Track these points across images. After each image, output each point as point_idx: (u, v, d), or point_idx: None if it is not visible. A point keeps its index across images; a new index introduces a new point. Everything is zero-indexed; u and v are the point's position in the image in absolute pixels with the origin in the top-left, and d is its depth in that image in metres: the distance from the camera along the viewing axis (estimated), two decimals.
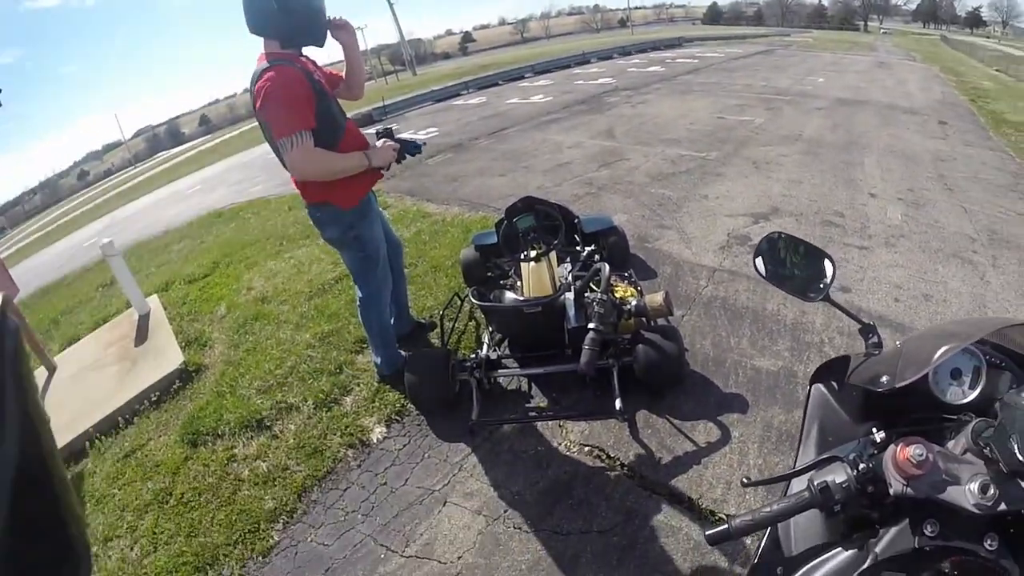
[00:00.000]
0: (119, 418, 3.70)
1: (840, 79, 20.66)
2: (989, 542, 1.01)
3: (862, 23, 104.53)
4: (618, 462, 2.92)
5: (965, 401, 1.17)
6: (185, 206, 13.06)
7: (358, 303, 3.40)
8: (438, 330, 3.85)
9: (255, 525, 2.69)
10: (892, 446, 1.02)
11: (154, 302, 5.43)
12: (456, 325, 3.91)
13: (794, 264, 1.59)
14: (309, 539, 2.61)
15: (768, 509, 1.07)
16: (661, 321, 3.57)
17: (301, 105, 2.70)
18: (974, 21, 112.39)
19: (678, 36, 41.96)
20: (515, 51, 51.58)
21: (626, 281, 3.79)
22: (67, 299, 8.17)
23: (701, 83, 18.87)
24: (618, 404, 3.08)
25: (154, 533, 2.78)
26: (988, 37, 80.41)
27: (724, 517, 0.97)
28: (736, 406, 3.25)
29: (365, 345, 3.85)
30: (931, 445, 1.00)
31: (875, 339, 1.45)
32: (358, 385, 3.54)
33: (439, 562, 2.47)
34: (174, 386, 3.94)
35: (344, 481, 2.90)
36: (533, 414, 3.33)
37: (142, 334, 4.79)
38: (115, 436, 3.60)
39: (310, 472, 2.93)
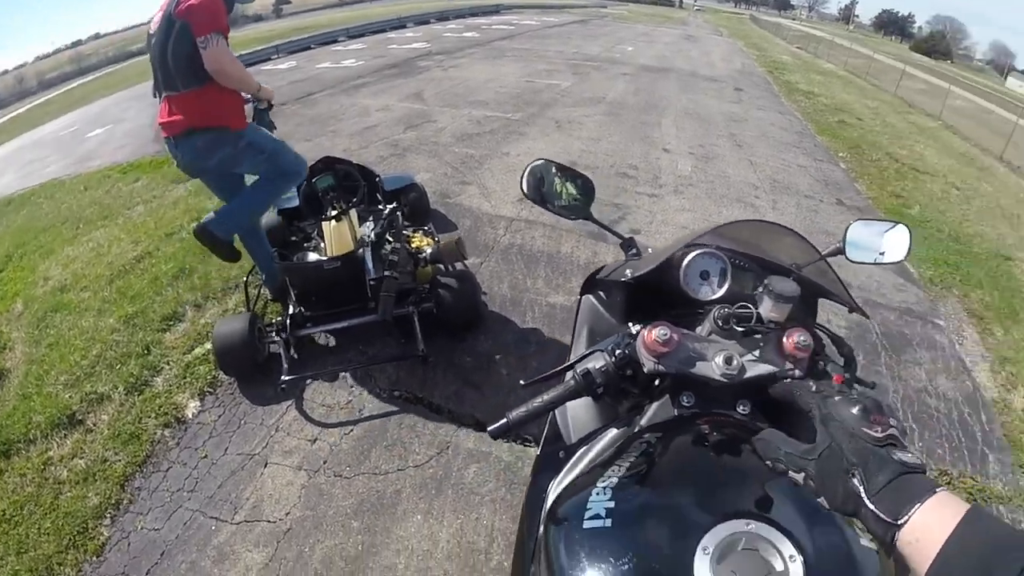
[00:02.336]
0: None
1: (648, 49, 22.00)
2: (742, 407, 1.17)
3: (677, 0, 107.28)
4: (426, 401, 3.23)
5: (715, 297, 1.34)
6: None
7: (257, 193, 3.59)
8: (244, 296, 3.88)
9: (83, 525, 2.68)
10: (642, 331, 1.14)
11: None
12: (261, 291, 3.95)
13: (558, 187, 1.73)
14: (140, 527, 2.66)
15: (539, 400, 1.15)
16: (460, 267, 3.82)
17: (221, 10, 3.02)
18: (783, 4, 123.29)
19: (497, 3, 41.31)
20: (332, 14, 48.45)
21: (423, 232, 3.99)
22: None
23: (515, 49, 19.25)
24: (420, 346, 3.33)
25: None
26: (794, 19, 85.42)
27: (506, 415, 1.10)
28: (533, 339, 3.62)
29: (171, 323, 3.85)
30: (676, 328, 1.13)
31: (634, 251, 1.67)
32: (168, 363, 3.55)
33: (268, 522, 2.64)
34: None
35: (165, 462, 2.95)
36: (340, 366, 3.50)
37: None
38: None
39: (130, 460, 2.95)
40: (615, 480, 1.03)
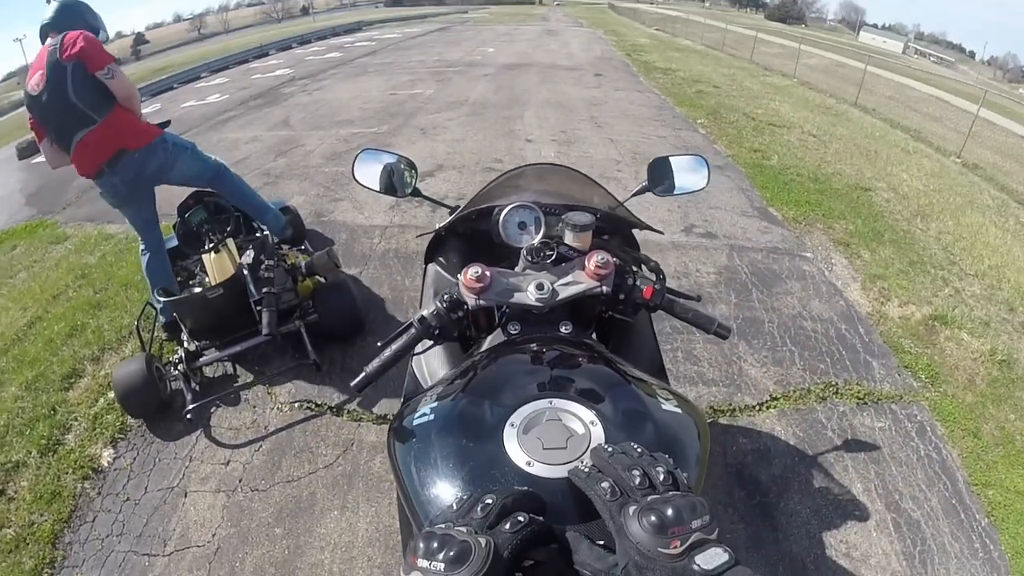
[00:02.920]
0: None
1: (509, 47, 22.40)
2: (564, 327, 1.33)
3: None
4: (326, 406, 3.48)
5: (534, 243, 1.45)
6: None
7: (244, 194, 4.08)
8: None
9: None
10: (460, 274, 1.29)
11: None
12: (155, 334, 4.06)
13: (386, 171, 1.92)
14: None
15: (389, 350, 1.32)
16: (341, 278, 4.06)
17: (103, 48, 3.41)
18: None
19: (358, 20, 40.75)
20: (192, 49, 46.34)
21: (298, 250, 4.18)
22: None
23: (377, 64, 19.20)
24: (312, 356, 3.58)
25: None
26: (652, 3, 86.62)
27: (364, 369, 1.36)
28: None
29: (72, 380, 3.94)
30: (489, 267, 1.29)
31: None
32: (76, 419, 3.66)
33: (197, 546, 2.83)
34: None
35: (90, 512, 3.07)
36: (240, 387, 3.70)
37: None
38: None
39: (56, 518, 3.04)
40: (441, 388, 1.22)
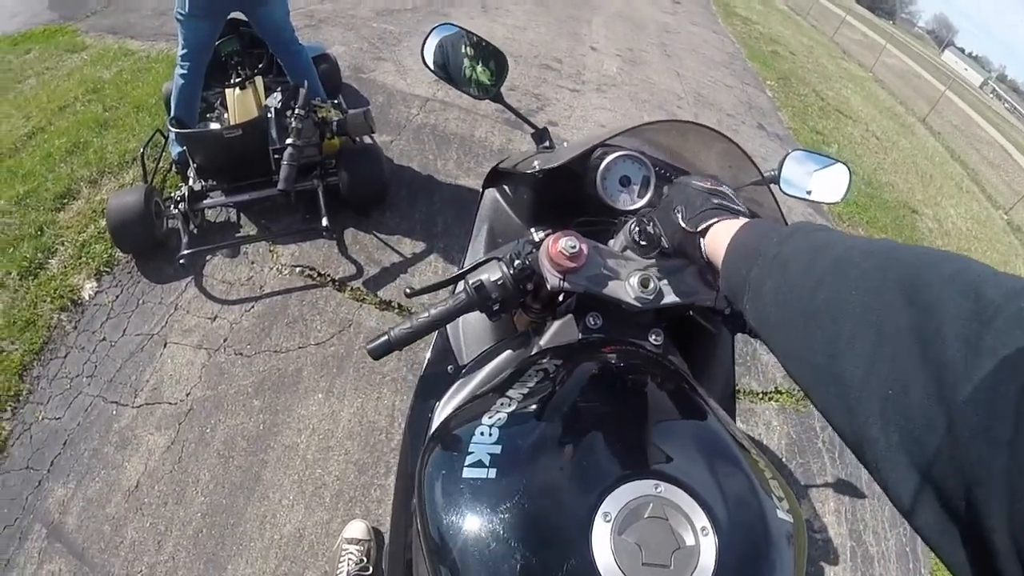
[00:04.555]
0: None
1: None
2: (655, 337, 1.04)
3: None
4: (329, 278, 3.20)
5: (634, 207, 1.20)
6: None
7: (299, 54, 3.61)
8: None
9: None
10: (546, 239, 0.98)
11: None
12: (160, 165, 3.76)
13: (468, 61, 1.50)
14: (40, 417, 2.62)
15: (426, 315, 1.02)
16: (368, 142, 3.69)
17: None
18: None
19: None
20: None
21: (331, 104, 3.80)
22: None
23: None
24: (324, 222, 3.23)
25: None
26: None
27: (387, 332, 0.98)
28: (440, 221, 3.58)
29: (65, 201, 3.66)
30: (586, 240, 0.97)
31: (547, 144, 1.47)
32: (62, 244, 3.40)
33: (169, 403, 2.66)
34: None
35: (63, 347, 2.89)
36: (242, 240, 3.42)
37: None
38: None
39: (26, 348, 2.86)
40: (504, 417, 0.87)
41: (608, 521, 0.72)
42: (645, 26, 10.24)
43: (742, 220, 0.78)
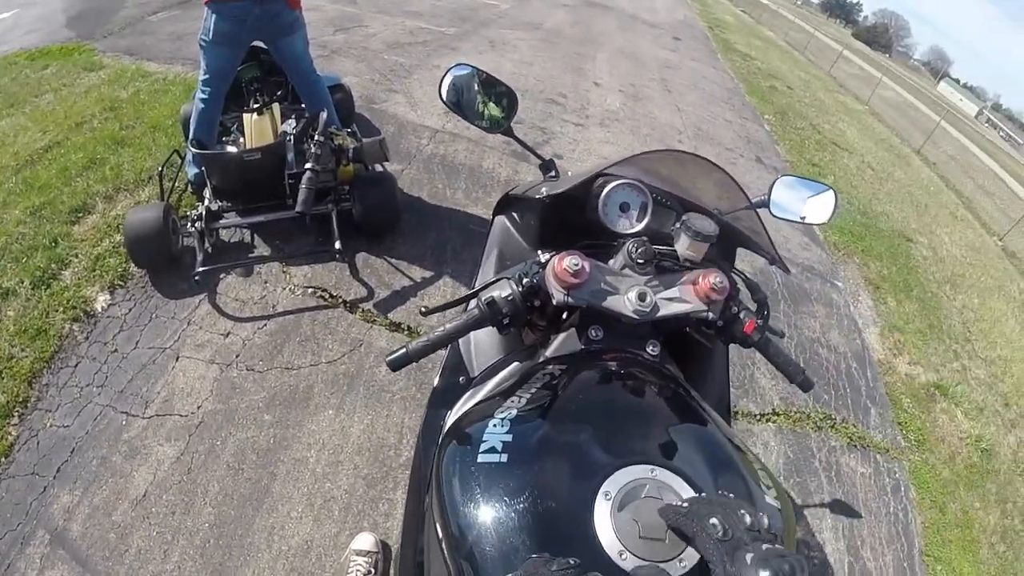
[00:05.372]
0: None
1: None
2: (652, 347, 1.14)
3: None
4: (341, 300, 3.25)
5: (633, 231, 1.30)
6: None
7: (318, 84, 3.75)
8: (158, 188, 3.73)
9: None
10: (552, 259, 1.08)
11: None
12: (176, 184, 3.83)
13: (480, 97, 1.65)
14: (48, 424, 2.61)
15: (442, 329, 1.09)
16: (380, 171, 3.83)
17: None
18: None
19: None
20: None
21: (347, 132, 3.90)
22: None
23: None
24: (337, 245, 3.31)
25: None
26: None
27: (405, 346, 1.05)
28: (449, 248, 3.68)
29: (80, 214, 3.71)
30: (588, 258, 1.08)
31: (553, 173, 1.61)
32: (76, 256, 3.44)
33: (180, 415, 2.67)
34: None
35: (74, 357, 2.90)
36: (256, 260, 3.47)
37: None
38: None
39: (37, 356, 2.88)
40: (514, 412, 0.97)
41: (608, 500, 0.80)
42: (646, 63, 10.64)
43: None
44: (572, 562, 0.67)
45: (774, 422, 3.43)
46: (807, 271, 5.16)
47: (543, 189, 1.36)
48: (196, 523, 2.36)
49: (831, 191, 1.63)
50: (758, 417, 3.43)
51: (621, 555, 0.75)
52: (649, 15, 17.53)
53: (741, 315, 1.18)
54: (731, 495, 0.85)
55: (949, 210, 9.87)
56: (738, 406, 3.43)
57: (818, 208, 1.61)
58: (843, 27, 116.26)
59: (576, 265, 1.05)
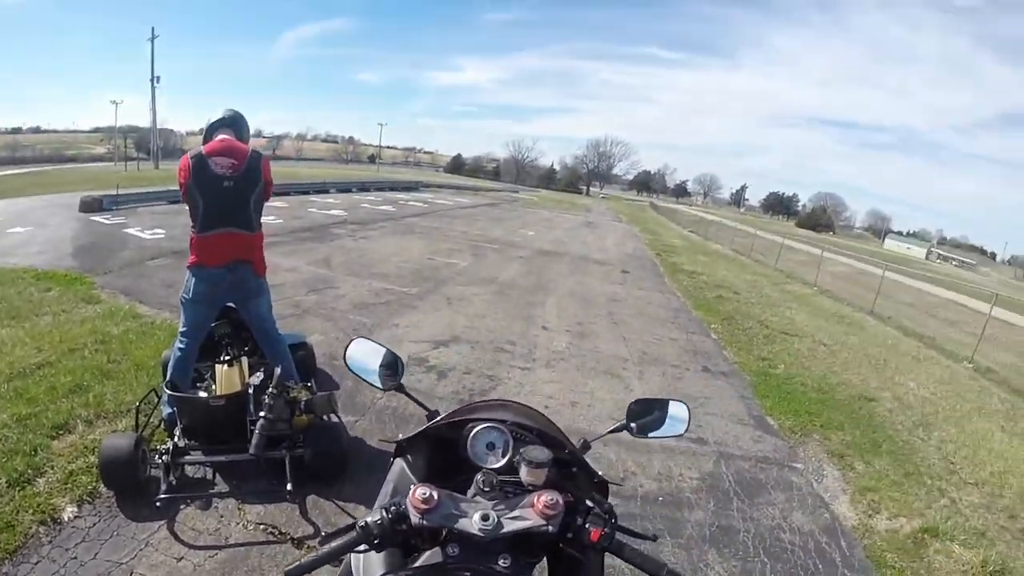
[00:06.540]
0: None
1: (548, 233, 24.34)
2: (503, 561, 1.29)
3: (585, 187, 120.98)
4: (289, 536, 3.58)
5: (498, 465, 1.50)
6: None
7: (278, 342, 4.46)
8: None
9: None
10: (412, 491, 1.28)
11: None
12: (151, 419, 4.24)
13: (374, 362, 1.96)
14: None
15: (326, 548, 1.28)
16: (335, 421, 4.36)
17: None
18: (680, 191, 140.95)
19: (417, 180, 45.25)
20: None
21: (303, 386, 4.43)
22: None
23: (424, 226, 20.93)
24: (289, 487, 3.73)
25: None
26: (691, 205, 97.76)
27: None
28: None
29: (61, 432, 4.11)
30: (439, 489, 1.29)
31: (438, 420, 1.78)
32: (52, 468, 3.77)
33: None
34: None
35: (35, 556, 3.11)
36: (214, 495, 3.83)
37: None
38: None
39: (2, 546, 3.08)
40: None
41: None
42: (594, 300, 11.63)
43: None
44: None
45: None
46: (761, 463, 5.24)
47: (414, 431, 1.69)
48: None
49: (682, 403, 1.91)
50: None
51: None
52: (599, 254, 19.42)
53: (587, 525, 1.37)
54: None
55: (911, 356, 10.30)
56: None
57: (672, 422, 1.89)
58: (786, 220, 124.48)
59: (425, 494, 1.27)
